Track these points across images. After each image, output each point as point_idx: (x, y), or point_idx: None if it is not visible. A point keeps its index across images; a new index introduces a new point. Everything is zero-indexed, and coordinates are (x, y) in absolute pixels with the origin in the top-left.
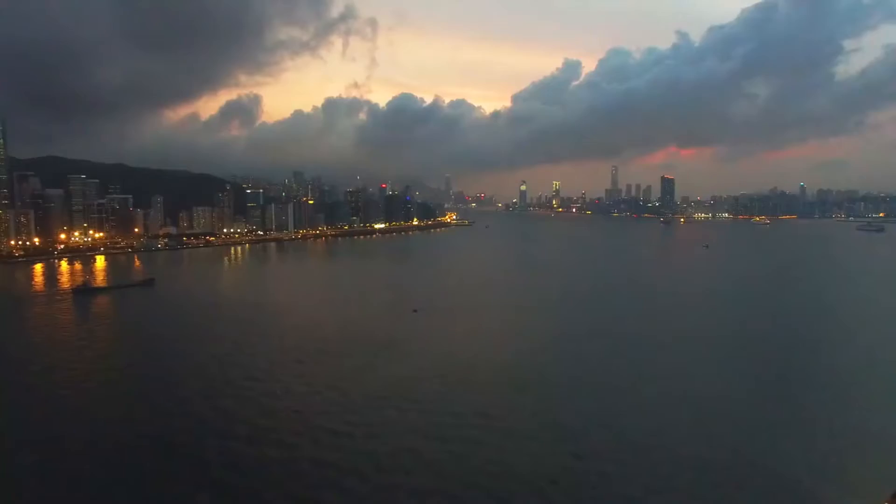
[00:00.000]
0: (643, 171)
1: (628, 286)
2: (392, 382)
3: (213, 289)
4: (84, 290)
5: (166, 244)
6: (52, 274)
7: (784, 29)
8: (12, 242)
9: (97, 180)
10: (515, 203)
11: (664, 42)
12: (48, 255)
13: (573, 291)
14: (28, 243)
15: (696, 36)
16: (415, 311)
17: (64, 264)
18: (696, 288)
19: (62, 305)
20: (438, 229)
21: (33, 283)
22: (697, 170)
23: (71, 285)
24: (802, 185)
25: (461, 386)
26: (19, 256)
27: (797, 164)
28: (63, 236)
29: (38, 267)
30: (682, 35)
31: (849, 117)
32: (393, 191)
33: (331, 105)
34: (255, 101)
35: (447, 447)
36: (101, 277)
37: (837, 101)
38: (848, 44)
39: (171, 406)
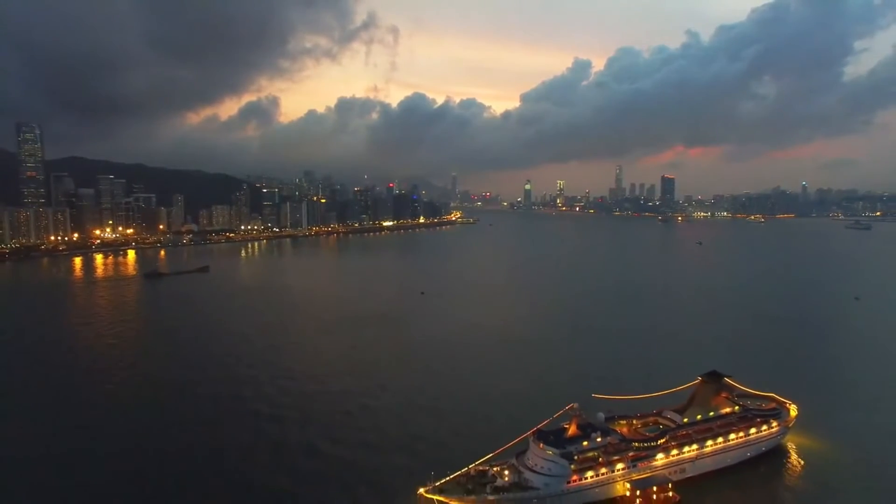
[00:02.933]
0: (650, 170)
1: (609, 274)
2: (404, 342)
3: (252, 275)
4: (153, 275)
5: (191, 240)
6: (103, 264)
7: (794, 29)
8: (52, 238)
9: (123, 180)
10: (520, 202)
11: (674, 40)
12: (87, 249)
13: (558, 278)
14: (66, 238)
15: (706, 34)
16: (422, 293)
17: (99, 257)
18: (674, 276)
19: (136, 287)
20: (444, 227)
21: (96, 271)
22: (705, 169)
23: (143, 271)
24: (804, 185)
25: (460, 343)
26: (63, 250)
27: (804, 164)
28: (98, 232)
29: (78, 260)
30: (692, 34)
31: (856, 116)
32: (400, 190)
33: (343, 105)
34: (274, 102)
35: (445, 377)
36: (164, 265)
37: (845, 100)
38: (858, 44)
39: (227, 362)
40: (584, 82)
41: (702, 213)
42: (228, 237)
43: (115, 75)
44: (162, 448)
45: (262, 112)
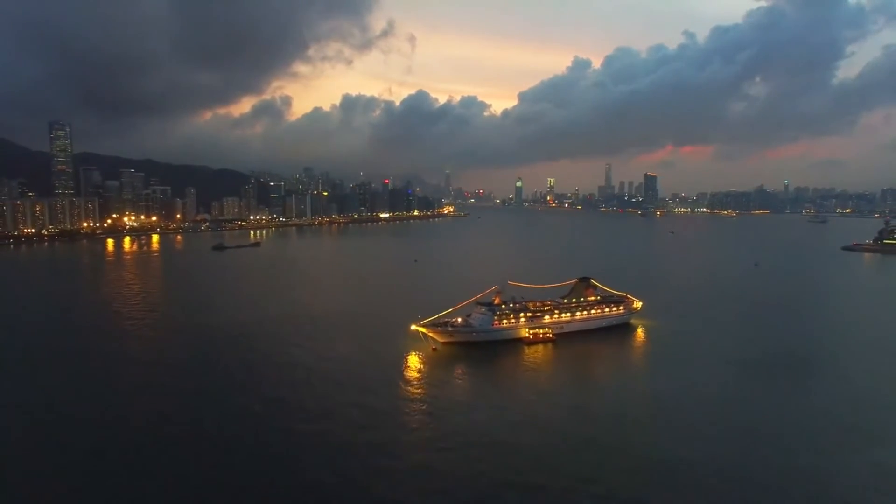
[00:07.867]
0: (641, 168)
1: (574, 250)
2: (404, 283)
3: (285, 250)
4: (220, 248)
5: (208, 227)
6: (142, 245)
7: (789, 32)
8: (85, 224)
9: (143, 174)
10: (512, 199)
11: (671, 38)
12: (118, 233)
13: (527, 252)
14: (100, 224)
15: (704, 33)
16: (415, 261)
17: (127, 240)
18: (633, 251)
19: (209, 255)
20: (437, 219)
21: (161, 247)
22: (696, 168)
23: (211, 245)
24: (786, 183)
25: (446, 289)
26: (100, 234)
27: (792, 164)
28: (126, 219)
29: (110, 241)
30: (689, 35)
31: (844, 118)
32: (395, 186)
33: (348, 102)
34: (287, 102)
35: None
36: (227, 240)
37: (834, 102)
38: (849, 47)
39: (286, 292)
40: (583, 82)
41: (682, 209)
42: (241, 225)
43: (140, 77)
44: (254, 323)
45: (274, 111)
